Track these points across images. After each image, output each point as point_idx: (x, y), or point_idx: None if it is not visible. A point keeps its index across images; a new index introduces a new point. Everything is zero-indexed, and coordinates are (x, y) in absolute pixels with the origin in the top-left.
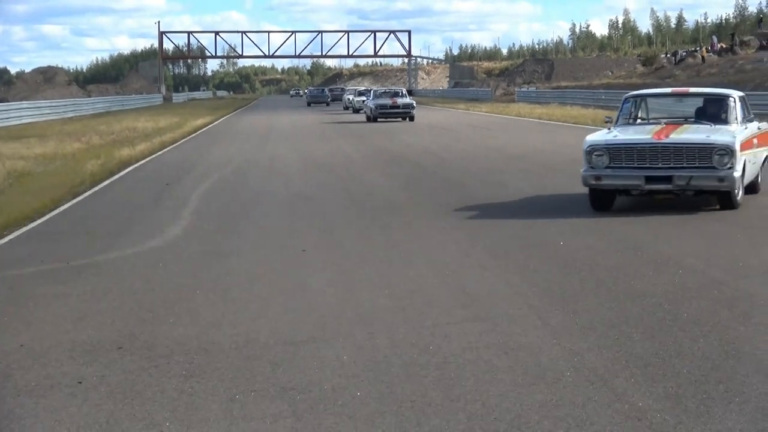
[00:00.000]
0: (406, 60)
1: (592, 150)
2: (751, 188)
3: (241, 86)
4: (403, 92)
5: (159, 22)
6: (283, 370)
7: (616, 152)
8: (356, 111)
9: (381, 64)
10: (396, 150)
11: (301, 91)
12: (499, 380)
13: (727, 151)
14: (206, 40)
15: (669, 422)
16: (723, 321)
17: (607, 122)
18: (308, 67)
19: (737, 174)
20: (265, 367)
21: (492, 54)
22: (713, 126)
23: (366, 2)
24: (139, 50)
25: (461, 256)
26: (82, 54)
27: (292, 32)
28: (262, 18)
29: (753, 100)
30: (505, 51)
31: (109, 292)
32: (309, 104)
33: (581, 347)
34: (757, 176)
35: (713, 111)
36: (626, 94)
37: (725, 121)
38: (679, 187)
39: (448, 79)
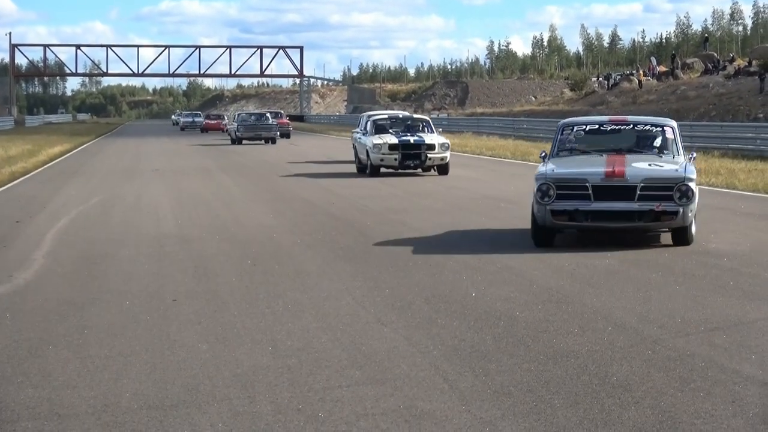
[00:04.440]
0: (297, 81)
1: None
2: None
3: (106, 109)
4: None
5: (10, 33)
6: None
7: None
8: (377, 170)
9: (268, 84)
10: (283, 185)
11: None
12: None
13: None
14: (65, 55)
15: None
16: (657, 385)
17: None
18: (184, 88)
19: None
20: None
21: (397, 75)
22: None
23: (249, 13)
24: None
25: (356, 308)
26: None
27: (165, 47)
28: (130, 30)
29: (696, 132)
30: (412, 71)
31: None
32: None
33: (494, 415)
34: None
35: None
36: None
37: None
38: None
39: (345, 103)
